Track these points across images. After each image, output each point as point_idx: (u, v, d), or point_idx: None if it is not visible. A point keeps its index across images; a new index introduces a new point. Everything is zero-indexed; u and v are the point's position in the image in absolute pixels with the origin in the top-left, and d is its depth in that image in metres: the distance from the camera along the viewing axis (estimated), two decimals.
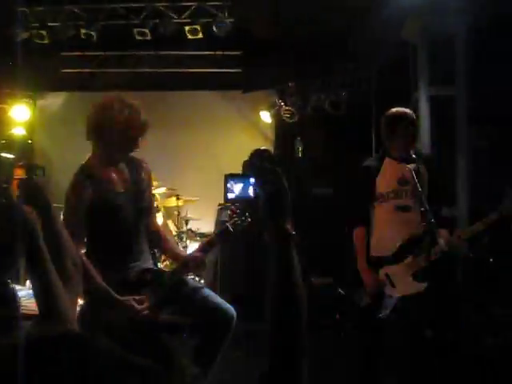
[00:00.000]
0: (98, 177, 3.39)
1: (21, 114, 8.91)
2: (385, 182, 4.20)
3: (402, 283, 4.11)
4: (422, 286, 4.06)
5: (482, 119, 6.95)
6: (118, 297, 3.28)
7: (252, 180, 2.01)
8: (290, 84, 8.45)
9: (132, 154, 3.55)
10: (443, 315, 3.93)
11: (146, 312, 3.32)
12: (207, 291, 3.66)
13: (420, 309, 4.02)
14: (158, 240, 3.82)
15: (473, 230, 4.00)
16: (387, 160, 4.25)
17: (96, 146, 3.45)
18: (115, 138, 3.37)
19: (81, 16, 7.62)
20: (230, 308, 3.57)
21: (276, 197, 1.88)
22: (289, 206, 1.89)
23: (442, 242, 3.94)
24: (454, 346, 4.16)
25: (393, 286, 4.13)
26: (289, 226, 1.86)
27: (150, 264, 3.63)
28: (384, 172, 4.23)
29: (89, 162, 3.45)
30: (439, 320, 3.87)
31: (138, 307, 3.30)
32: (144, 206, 3.60)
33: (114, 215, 3.40)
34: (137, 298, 3.33)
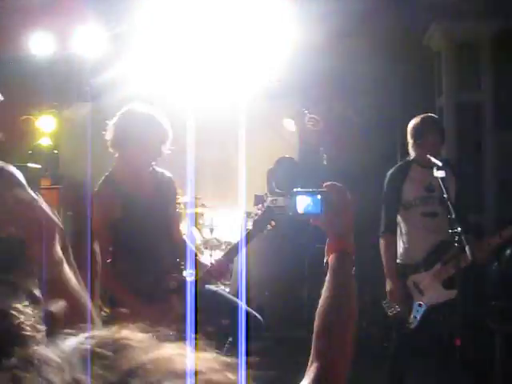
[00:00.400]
0: (122, 186, 3.40)
1: (47, 124, 8.99)
2: (412, 188, 4.18)
3: (431, 291, 4.06)
4: (452, 293, 4.00)
5: (509, 125, 6.87)
6: (144, 307, 3.28)
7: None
8: (314, 92, 8.42)
9: (156, 162, 3.56)
10: (470, 325, 3.87)
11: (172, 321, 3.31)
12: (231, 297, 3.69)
13: (449, 317, 3.97)
14: (181, 249, 3.83)
15: (503, 236, 3.94)
16: (414, 166, 4.23)
17: (120, 155, 3.46)
18: (137, 147, 3.39)
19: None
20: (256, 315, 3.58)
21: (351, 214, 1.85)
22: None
23: (468, 250, 3.89)
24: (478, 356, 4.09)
25: (421, 294, 4.08)
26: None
27: (175, 272, 3.63)
28: (411, 179, 4.21)
29: (113, 172, 3.47)
30: (466, 329, 3.80)
31: (164, 316, 3.29)
32: (168, 215, 3.61)
33: (139, 223, 3.40)
34: (163, 307, 3.33)
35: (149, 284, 3.45)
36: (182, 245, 3.83)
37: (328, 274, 1.72)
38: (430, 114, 4.28)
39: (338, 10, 6.40)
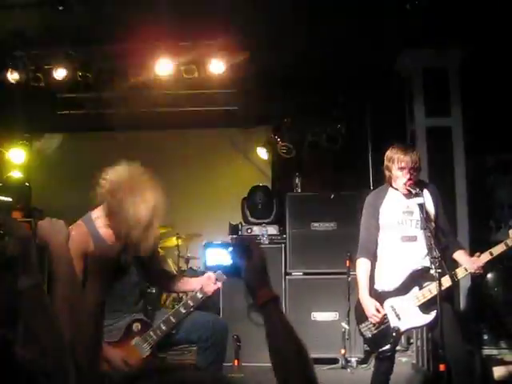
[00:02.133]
0: (99, 233, 3.40)
1: (17, 156, 8.90)
2: (390, 212, 4.20)
3: (408, 316, 4.07)
4: (429, 317, 4.02)
5: (479, 149, 7.00)
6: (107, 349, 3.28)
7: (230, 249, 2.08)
8: (285, 119, 8.47)
9: None
10: (453, 341, 3.87)
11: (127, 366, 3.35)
12: (196, 313, 3.76)
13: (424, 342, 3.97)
14: (167, 280, 3.91)
15: (506, 244, 3.99)
16: (391, 190, 4.25)
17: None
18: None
19: (76, 58, 7.64)
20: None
21: (262, 265, 1.98)
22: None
23: (467, 263, 3.97)
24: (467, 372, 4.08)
25: (398, 318, 4.09)
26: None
27: (140, 315, 3.67)
28: (388, 202, 4.23)
29: (92, 217, 3.48)
30: (449, 346, 3.80)
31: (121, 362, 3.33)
32: (145, 258, 3.63)
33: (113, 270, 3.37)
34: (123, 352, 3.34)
35: (118, 325, 3.48)
36: (167, 276, 3.92)
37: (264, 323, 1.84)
38: (403, 146, 4.31)
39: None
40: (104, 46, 7.51)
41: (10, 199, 8.83)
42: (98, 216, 3.51)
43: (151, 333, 3.57)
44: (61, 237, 2.26)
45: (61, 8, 5.41)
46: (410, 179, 4.13)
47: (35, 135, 9.49)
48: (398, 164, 4.15)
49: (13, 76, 7.46)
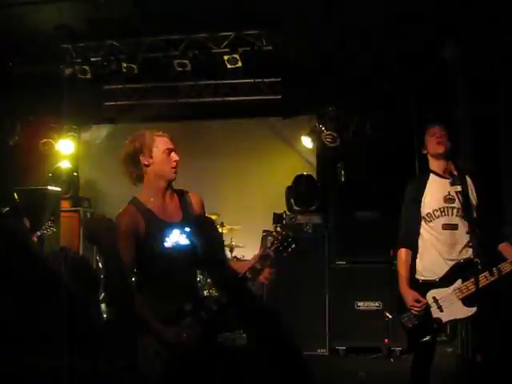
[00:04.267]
0: (147, 208, 3.42)
1: (66, 147, 9.09)
2: (431, 200, 4.15)
3: (450, 308, 4.03)
4: (471, 310, 3.97)
5: None
6: (165, 329, 3.30)
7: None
8: (330, 108, 8.43)
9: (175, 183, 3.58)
10: (494, 340, 3.82)
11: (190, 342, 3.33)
12: None
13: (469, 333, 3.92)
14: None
15: None
16: (432, 178, 4.21)
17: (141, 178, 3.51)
18: (148, 168, 3.43)
19: (122, 50, 7.77)
20: None
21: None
22: None
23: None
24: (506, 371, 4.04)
25: (441, 310, 4.05)
26: None
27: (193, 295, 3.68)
28: (430, 191, 4.18)
29: (139, 194, 3.50)
30: (490, 345, 3.76)
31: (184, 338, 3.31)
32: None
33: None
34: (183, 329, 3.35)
35: (173, 307, 3.50)
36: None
37: None
38: (438, 125, 4.27)
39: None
40: (148, 38, 7.63)
41: (59, 189, 9.09)
42: (141, 193, 3.55)
43: (203, 313, 3.59)
44: (109, 235, 2.32)
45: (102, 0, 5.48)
46: (447, 158, 4.13)
47: (83, 126, 9.68)
48: (428, 133, 4.18)
49: (60, 69, 7.64)
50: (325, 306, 6.81)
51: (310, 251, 6.83)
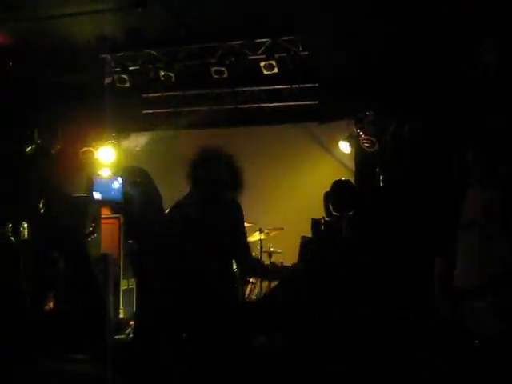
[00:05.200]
0: (188, 213, 3.50)
1: (106, 155, 9.22)
2: (470, 208, 4.06)
3: (483, 320, 3.94)
4: (504, 326, 3.88)
5: None
6: None
7: None
8: (367, 113, 8.39)
9: None
10: None
11: None
12: None
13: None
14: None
15: None
16: (473, 185, 4.12)
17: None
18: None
19: (159, 58, 7.88)
20: None
21: None
22: None
23: None
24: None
25: (473, 321, 3.97)
26: None
27: None
28: (469, 198, 4.09)
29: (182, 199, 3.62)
30: None
31: None
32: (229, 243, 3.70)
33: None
34: None
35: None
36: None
37: None
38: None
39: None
40: (185, 46, 7.71)
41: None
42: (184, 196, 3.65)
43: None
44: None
45: (140, 10, 5.57)
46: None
47: (123, 134, 9.81)
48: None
49: (100, 78, 7.78)
50: None
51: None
